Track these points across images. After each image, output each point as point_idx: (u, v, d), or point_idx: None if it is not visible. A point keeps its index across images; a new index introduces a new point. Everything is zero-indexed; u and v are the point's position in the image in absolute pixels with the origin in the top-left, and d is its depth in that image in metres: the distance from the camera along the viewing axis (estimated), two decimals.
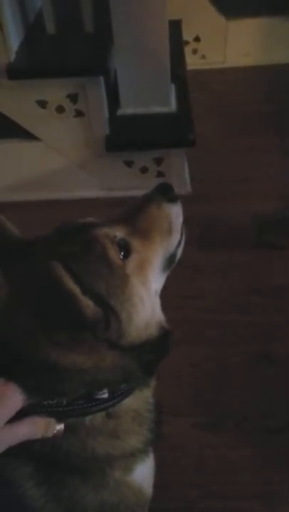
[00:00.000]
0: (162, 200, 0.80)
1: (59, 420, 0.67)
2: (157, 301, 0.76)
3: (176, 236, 0.80)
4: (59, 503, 0.71)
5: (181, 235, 0.82)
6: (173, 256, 0.80)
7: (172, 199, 0.81)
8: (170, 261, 0.80)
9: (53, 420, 0.67)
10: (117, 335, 0.67)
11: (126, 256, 0.71)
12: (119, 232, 0.72)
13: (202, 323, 1.64)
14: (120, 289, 0.67)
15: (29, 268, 0.68)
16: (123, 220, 0.77)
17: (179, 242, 0.82)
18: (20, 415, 0.64)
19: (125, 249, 0.71)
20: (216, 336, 1.60)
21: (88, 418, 0.70)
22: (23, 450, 0.67)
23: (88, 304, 0.63)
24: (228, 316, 1.66)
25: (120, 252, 0.70)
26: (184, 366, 1.53)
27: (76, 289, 0.62)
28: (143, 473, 0.78)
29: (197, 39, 2.90)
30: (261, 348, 1.57)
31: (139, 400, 0.77)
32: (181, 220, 0.82)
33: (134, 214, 0.79)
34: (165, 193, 0.82)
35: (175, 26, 2.48)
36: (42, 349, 0.64)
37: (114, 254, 0.68)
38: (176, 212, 0.81)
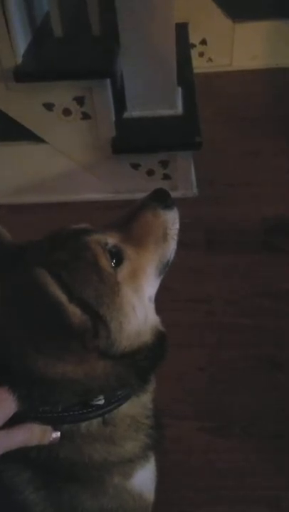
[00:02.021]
0: (158, 207, 0.79)
1: (54, 426, 0.67)
2: (151, 307, 0.75)
3: (172, 243, 0.79)
4: (58, 508, 0.70)
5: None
6: (168, 262, 0.79)
7: (168, 205, 0.80)
8: (164, 267, 0.78)
9: (49, 428, 0.67)
10: (106, 344, 0.65)
11: (118, 264, 0.69)
12: (111, 239, 0.71)
13: (208, 327, 1.63)
14: (110, 297, 0.66)
15: (17, 275, 0.66)
16: (117, 226, 0.76)
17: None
18: (16, 421, 0.64)
19: (117, 256, 0.69)
20: (222, 340, 1.60)
21: (84, 424, 0.69)
22: (22, 456, 0.66)
23: (75, 312, 0.61)
24: (234, 319, 1.65)
25: (112, 259, 0.68)
26: (191, 370, 1.52)
27: (62, 297, 0.60)
28: (143, 478, 0.77)
29: (204, 42, 2.90)
30: (268, 353, 1.56)
31: (137, 406, 0.76)
32: (177, 226, 0.80)
33: (129, 220, 0.77)
34: (161, 199, 0.80)
35: (182, 29, 2.48)
36: (30, 359, 0.63)
37: (105, 262, 0.67)
38: (172, 219, 0.79)
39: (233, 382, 1.50)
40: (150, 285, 0.74)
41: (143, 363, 0.70)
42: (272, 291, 1.73)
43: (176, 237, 0.79)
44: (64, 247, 0.67)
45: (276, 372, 1.52)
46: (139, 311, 0.69)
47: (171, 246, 0.79)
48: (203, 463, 1.34)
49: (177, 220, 0.80)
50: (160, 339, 0.73)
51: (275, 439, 1.37)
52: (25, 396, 0.64)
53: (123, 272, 0.69)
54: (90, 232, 0.70)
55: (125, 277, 0.69)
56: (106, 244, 0.69)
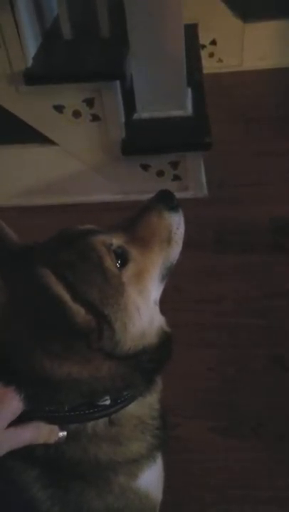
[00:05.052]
0: (163, 209, 0.79)
1: (61, 426, 0.68)
2: (156, 309, 0.75)
3: (176, 247, 0.79)
4: (65, 506, 0.71)
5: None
6: (171, 265, 0.79)
7: (173, 207, 0.80)
8: (168, 270, 0.78)
9: (56, 427, 0.67)
10: (111, 344, 0.66)
11: (123, 264, 0.69)
12: (116, 240, 0.71)
13: (218, 327, 1.63)
14: (115, 298, 0.66)
15: (22, 275, 0.67)
16: (122, 227, 0.76)
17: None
18: (23, 420, 0.65)
19: (122, 257, 0.70)
20: (231, 340, 1.60)
21: (90, 424, 0.70)
22: (29, 454, 0.67)
23: (79, 312, 0.62)
24: (244, 319, 1.65)
25: (117, 260, 0.69)
26: (201, 370, 1.53)
27: (66, 296, 0.61)
28: (150, 478, 0.77)
29: (214, 42, 2.89)
30: (278, 353, 1.56)
31: (143, 407, 0.76)
32: (182, 230, 0.80)
33: (134, 222, 0.78)
34: (166, 200, 0.80)
35: (191, 30, 2.48)
36: (36, 359, 0.64)
37: (110, 263, 0.67)
38: (176, 222, 0.79)
39: (243, 383, 1.50)
40: (154, 287, 0.74)
41: (148, 363, 0.71)
42: (281, 291, 1.72)
43: (180, 242, 0.79)
44: (69, 248, 0.68)
45: (286, 373, 1.51)
46: (143, 312, 0.69)
47: (175, 250, 0.79)
48: (213, 463, 1.34)
49: (182, 224, 0.80)
50: (165, 340, 0.74)
51: (286, 439, 1.37)
52: (32, 395, 0.64)
53: (128, 273, 0.69)
54: (95, 233, 0.71)
55: (130, 278, 0.69)
56: (111, 244, 0.70)
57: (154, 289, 0.74)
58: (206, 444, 1.38)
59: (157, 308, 0.75)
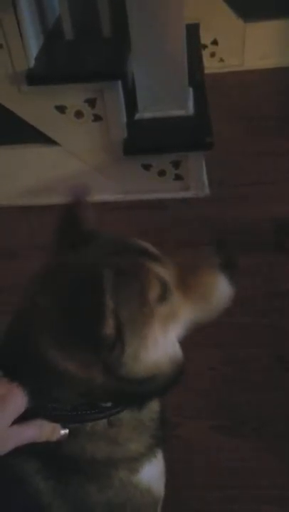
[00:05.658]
0: (218, 270, 0.78)
1: (63, 424, 0.69)
2: (176, 346, 0.75)
3: (213, 313, 0.79)
4: (66, 499, 0.71)
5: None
6: (199, 324, 0.79)
7: (226, 264, 0.79)
8: (196, 326, 0.79)
9: (58, 425, 0.68)
10: (115, 364, 0.66)
11: (160, 300, 0.70)
12: (167, 277, 0.73)
13: (220, 327, 1.63)
14: (139, 326, 0.67)
15: (77, 264, 0.69)
16: (175, 265, 0.76)
17: None
18: (27, 418, 0.65)
19: (164, 294, 0.71)
20: (233, 340, 1.60)
21: (90, 424, 0.71)
22: (31, 449, 0.68)
23: (109, 323, 0.63)
24: (246, 319, 1.65)
25: (159, 294, 0.70)
26: (203, 369, 1.53)
27: (111, 304, 0.62)
28: (151, 473, 0.78)
29: (215, 42, 2.89)
30: (280, 352, 1.56)
31: (143, 410, 0.77)
32: (224, 297, 0.79)
33: (188, 266, 0.78)
34: (225, 254, 0.80)
35: (193, 30, 2.48)
36: (45, 346, 0.65)
37: (153, 295, 0.69)
38: (226, 292, 0.79)
39: (245, 382, 1.50)
40: (178, 331, 0.75)
41: (152, 388, 0.72)
42: (283, 290, 1.72)
43: (219, 311, 0.79)
44: (125, 259, 0.69)
45: (287, 372, 1.52)
46: (160, 347, 0.70)
47: (210, 315, 0.79)
48: (215, 462, 1.35)
49: (228, 292, 0.79)
50: (178, 372, 0.74)
51: (287, 439, 1.37)
52: (33, 389, 0.65)
53: (161, 310, 0.70)
54: (153, 259, 0.72)
55: (161, 315, 0.70)
56: (162, 279, 0.71)
57: (177, 332, 0.75)
58: (207, 444, 1.38)
59: (177, 345, 0.76)
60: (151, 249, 0.76)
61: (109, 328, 0.63)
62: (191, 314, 0.76)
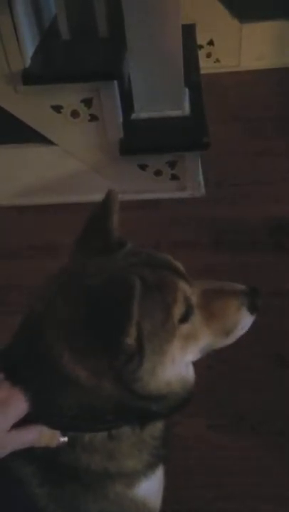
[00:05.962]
0: (245, 305, 0.79)
1: (62, 432, 0.68)
2: (190, 368, 0.77)
3: (228, 341, 0.80)
4: (60, 505, 0.71)
5: None
6: (213, 351, 0.79)
7: (253, 307, 0.80)
8: (210, 351, 0.79)
9: (57, 432, 0.68)
10: (130, 376, 0.65)
11: (182, 320, 0.70)
12: (194, 298, 0.73)
13: None
14: (160, 341, 0.66)
15: (104, 269, 0.68)
16: (203, 288, 0.76)
17: None
18: (27, 423, 0.65)
19: (187, 315, 0.70)
20: None
21: (88, 434, 0.70)
22: (29, 453, 0.67)
23: (132, 333, 0.62)
24: None
25: (183, 312, 0.69)
26: (200, 368, 1.52)
27: (136, 314, 0.60)
28: (148, 488, 0.76)
29: (211, 43, 2.90)
30: (277, 351, 1.56)
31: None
32: (243, 332, 0.80)
33: (217, 293, 0.78)
34: (254, 300, 0.80)
35: (189, 30, 2.49)
36: (58, 347, 0.63)
37: (177, 312, 0.68)
38: (246, 324, 0.80)
39: (242, 380, 1.50)
40: (194, 353, 0.75)
41: (158, 408, 0.71)
42: (281, 290, 1.72)
43: (234, 340, 0.80)
44: (154, 272, 0.69)
45: (286, 371, 1.52)
46: (176, 365, 0.70)
47: (225, 342, 0.80)
48: (213, 460, 1.34)
49: (247, 328, 0.80)
50: (188, 394, 0.75)
51: (286, 437, 1.37)
52: (38, 396, 0.64)
53: (183, 329, 0.70)
54: (182, 278, 0.72)
55: (182, 335, 0.70)
56: (188, 299, 0.71)
57: (193, 354, 0.75)
58: (206, 442, 1.38)
59: (191, 367, 0.77)
60: (181, 268, 0.75)
61: (131, 338, 0.62)
62: (209, 339, 0.76)
